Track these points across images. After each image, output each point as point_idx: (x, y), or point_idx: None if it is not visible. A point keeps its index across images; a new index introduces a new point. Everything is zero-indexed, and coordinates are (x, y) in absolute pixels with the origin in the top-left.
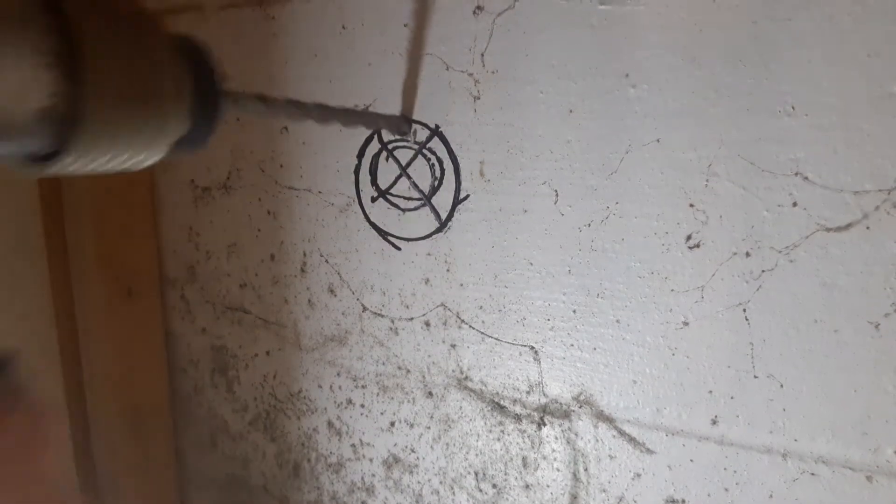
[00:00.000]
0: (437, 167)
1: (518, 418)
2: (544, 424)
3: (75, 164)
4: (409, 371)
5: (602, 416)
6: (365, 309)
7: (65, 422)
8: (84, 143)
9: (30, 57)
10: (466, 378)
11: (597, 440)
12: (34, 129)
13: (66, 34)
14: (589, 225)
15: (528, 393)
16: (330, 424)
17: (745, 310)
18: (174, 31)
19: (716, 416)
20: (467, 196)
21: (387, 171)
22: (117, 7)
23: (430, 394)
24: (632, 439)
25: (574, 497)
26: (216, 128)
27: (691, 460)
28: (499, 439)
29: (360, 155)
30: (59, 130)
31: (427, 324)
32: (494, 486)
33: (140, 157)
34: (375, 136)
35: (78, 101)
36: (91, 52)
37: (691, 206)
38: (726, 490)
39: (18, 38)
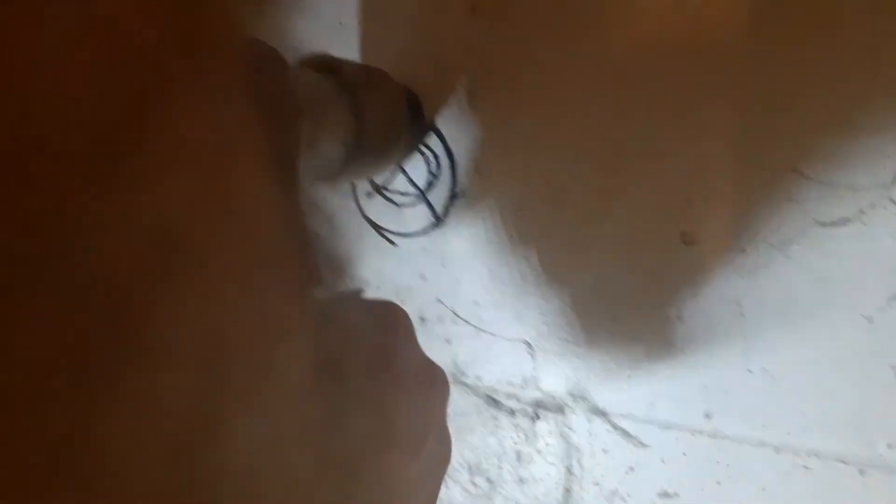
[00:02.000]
0: (433, 163)
1: (512, 413)
2: (538, 419)
3: (348, 178)
4: None
5: (596, 411)
6: None
7: None
8: (358, 161)
9: (336, 106)
10: (462, 373)
11: (590, 434)
12: (337, 152)
13: (349, 90)
14: (585, 220)
15: (522, 387)
16: None
17: (739, 304)
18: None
19: (709, 410)
20: (463, 192)
21: None
22: (365, 67)
23: None
24: (625, 433)
25: (568, 491)
26: (420, 144)
27: (684, 454)
28: (493, 434)
29: None
30: (349, 152)
31: (422, 319)
32: (488, 479)
33: (376, 170)
34: None
35: (361, 131)
36: (364, 100)
37: (687, 201)
38: (719, 483)
39: (329, 96)
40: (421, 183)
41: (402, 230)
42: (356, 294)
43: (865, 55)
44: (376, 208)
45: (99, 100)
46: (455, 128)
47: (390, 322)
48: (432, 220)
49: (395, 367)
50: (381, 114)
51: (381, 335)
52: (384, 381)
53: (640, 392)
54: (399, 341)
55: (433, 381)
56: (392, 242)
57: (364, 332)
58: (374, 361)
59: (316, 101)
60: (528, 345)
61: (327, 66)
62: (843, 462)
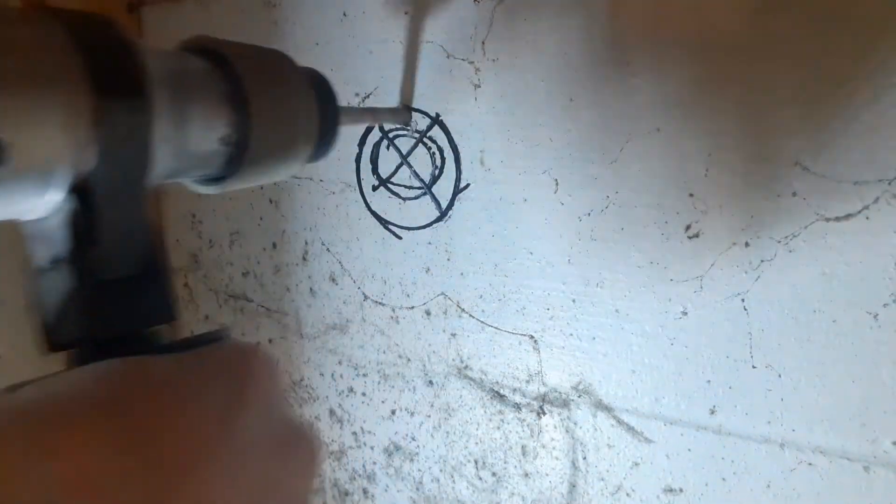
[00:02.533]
0: (437, 156)
1: (517, 407)
2: (543, 413)
3: (238, 183)
4: (409, 360)
5: (601, 406)
6: (366, 297)
7: None
8: (248, 165)
9: (211, 98)
10: (466, 367)
11: (595, 429)
12: (216, 154)
13: (232, 78)
14: (589, 214)
15: (527, 382)
16: (331, 412)
17: (743, 300)
18: (302, 66)
19: (714, 406)
20: (468, 185)
21: (388, 160)
22: (261, 50)
23: (431, 382)
24: (630, 428)
25: (573, 485)
26: (336, 143)
27: (689, 450)
28: (498, 428)
29: (361, 143)
30: (232, 155)
31: (428, 313)
32: (494, 474)
33: (280, 174)
34: (377, 125)
35: (245, 128)
36: (253, 90)
37: (691, 195)
38: (724, 480)
39: (203, 85)
40: (426, 176)
41: (407, 224)
42: (213, 338)
43: (870, 49)
44: (381, 201)
45: None
46: (459, 120)
47: (241, 376)
48: (437, 213)
49: (236, 433)
50: (273, 106)
51: (224, 394)
52: (219, 450)
53: (644, 387)
54: (248, 400)
55: (291, 450)
56: (397, 236)
57: (204, 391)
58: (206, 427)
59: (181, 91)
60: (533, 339)
61: (205, 48)
62: (847, 459)
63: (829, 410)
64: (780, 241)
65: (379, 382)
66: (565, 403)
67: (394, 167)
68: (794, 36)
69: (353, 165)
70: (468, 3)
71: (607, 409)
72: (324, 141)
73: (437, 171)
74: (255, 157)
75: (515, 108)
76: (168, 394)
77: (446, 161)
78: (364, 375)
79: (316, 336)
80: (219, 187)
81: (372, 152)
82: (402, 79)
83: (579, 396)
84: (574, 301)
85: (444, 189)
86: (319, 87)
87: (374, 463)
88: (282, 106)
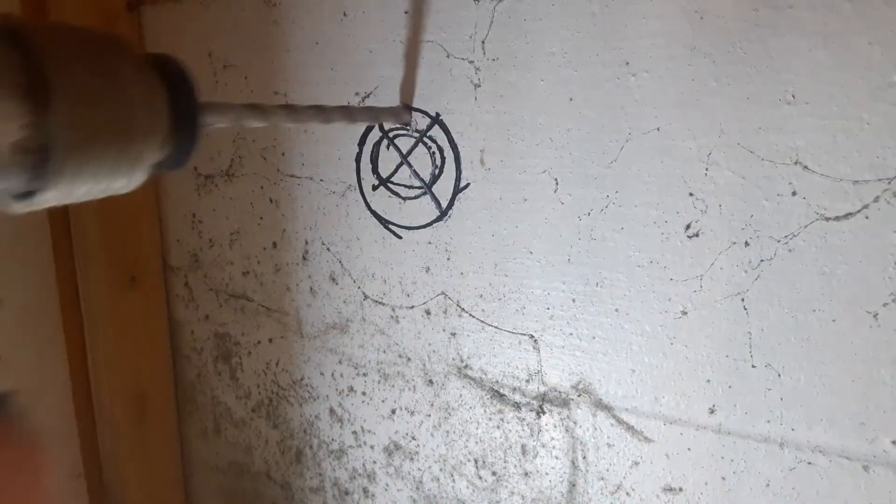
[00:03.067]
0: (437, 155)
1: (517, 406)
2: (543, 413)
3: (56, 197)
4: (409, 359)
5: (601, 405)
6: (366, 297)
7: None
8: (61, 175)
9: None
10: (466, 366)
11: (595, 428)
12: (11, 164)
13: (32, 67)
14: (589, 213)
15: (527, 381)
16: (332, 411)
17: (743, 299)
18: (147, 52)
19: (713, 405)
20: (468, 184)
21: (388, 160)
22: (84, 34)
23: (431, 382)
24: (630, 428)
25: (572, 485)
26: (197, 146)
27: (689, 449)
28: (498, 427)
29: (361, 143)
30: (35, 164)
31: (427, 312)
32: (494, 473)
33: (120, 183)
34: (377, 125)
35: (49, 131)
36: (59, 82)
37: (691, 194)
38: (724, 479)
39: None
40: (426, 176)
41: (407, 223)
42: None
43: (870, 48)
44: (382, 201)
45: None
46: (459, 120)
47: None
48: (437, 213)
49: None
50: (91, 102)
51: None
52: None
53: (644, 386)
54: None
55: None
56: (397, 235)
57: None
58: None
59: None
60: (533, 339)
61: (7, 31)
62: (847, 458)
63: (829, 410)
64: (779, 241)
65: (379, 382)
66: (565, 403)
67: (394, 167)
68: (795, 34)
69: (354, 165)
70: (468, 2)
71: (607, 408)
72: (179, 143)
73: (437, 171)
74: (68, 166)
75: (515, 108)
76: None
77: (446, 161)
78: (364, 375)
79: (316, 335)
80: (28, 204)
81: (372, 152)
82: (402, 78)
83: (579, 396)
84: (574, 300)
85: (444, 189)
86: (172, 80)
87: (375, 462)
88: (104, 102)
